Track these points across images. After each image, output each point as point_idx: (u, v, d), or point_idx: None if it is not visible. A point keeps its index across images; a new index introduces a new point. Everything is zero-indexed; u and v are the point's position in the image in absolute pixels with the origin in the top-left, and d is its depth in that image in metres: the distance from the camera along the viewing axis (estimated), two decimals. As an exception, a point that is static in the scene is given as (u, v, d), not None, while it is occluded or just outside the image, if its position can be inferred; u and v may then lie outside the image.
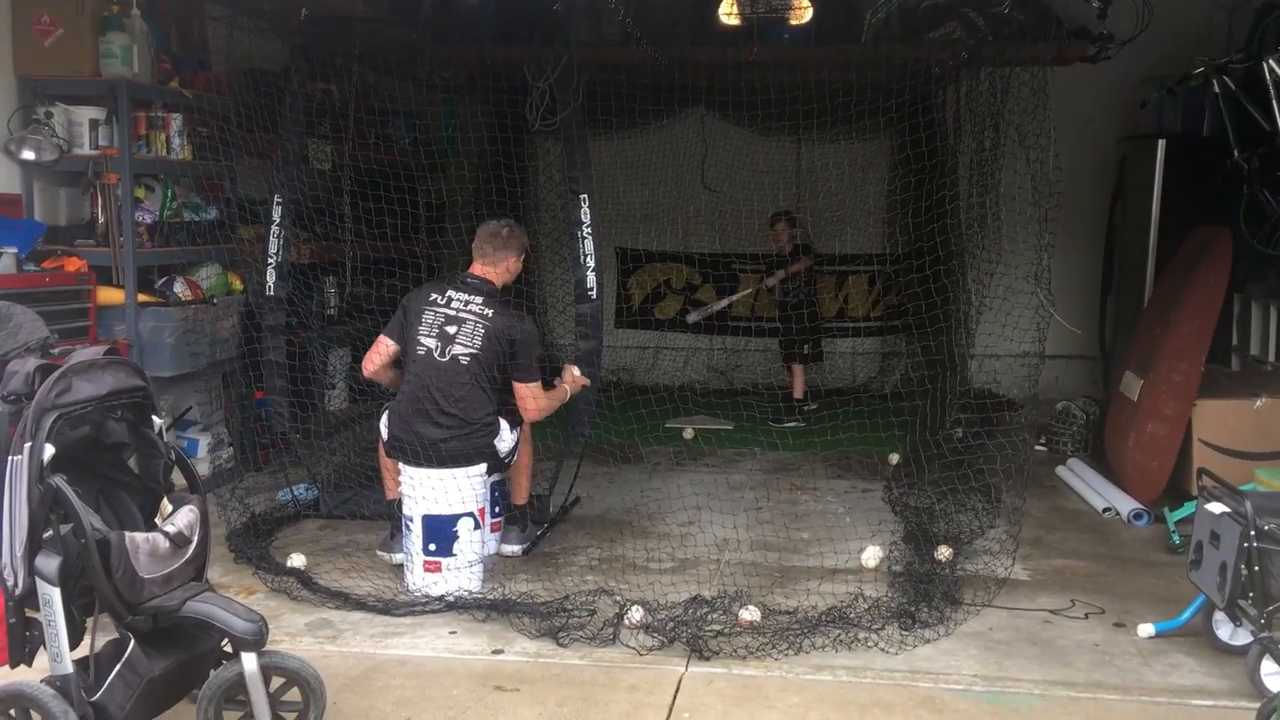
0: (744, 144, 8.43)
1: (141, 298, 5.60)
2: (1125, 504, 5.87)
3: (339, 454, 6.41)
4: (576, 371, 5.26)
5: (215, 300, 6.01)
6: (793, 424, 7.99)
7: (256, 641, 3.15)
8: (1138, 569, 5.11)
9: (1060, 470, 6.78)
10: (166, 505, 3.30)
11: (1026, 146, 5.55)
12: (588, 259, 5.43)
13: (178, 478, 3.42)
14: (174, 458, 3.38)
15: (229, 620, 3.14)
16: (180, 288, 5.83)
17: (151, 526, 3.23)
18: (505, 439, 4.92)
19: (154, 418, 3.31)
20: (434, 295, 4.92)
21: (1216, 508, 4.01)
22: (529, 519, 5.33)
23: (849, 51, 6.32)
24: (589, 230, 5.44)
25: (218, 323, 5.95)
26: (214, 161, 5.78)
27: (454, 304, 4.86)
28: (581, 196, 5.47)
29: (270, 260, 5.79)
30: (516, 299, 6.12)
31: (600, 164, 6.73)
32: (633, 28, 5.68)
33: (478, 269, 4.99)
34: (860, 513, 5.92)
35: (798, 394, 8.25)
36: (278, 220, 5.77)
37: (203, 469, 5.95)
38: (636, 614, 4.30)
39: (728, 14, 6.60)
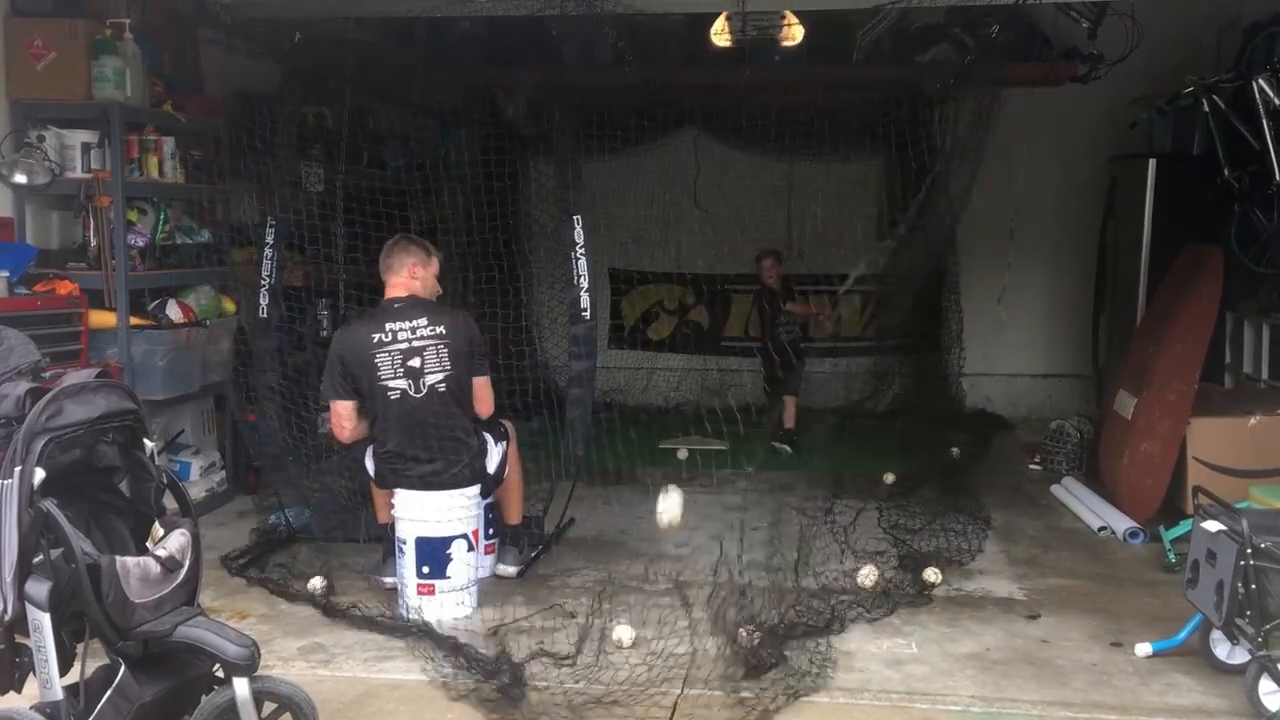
0: (736, 164, 8.45)
1: (134, 321, 5.59)
2: (1120, 522, 5.86)
3: (331, 477, 6.37)
4: None
5: (208, 323, 6.00)
6: (777, 445, 7.85)
7: (249, 666, 3.13)
8: (1134, 588, 5.10)
9: (1055, 489, 6.76)
10: (158, 529, 3.28)
11: (1012, 167, 5.59)
12: (581, 280, 5.43)
13: (169, 501, 3.40)
14: (165, 481, 3.36)
15: (221, 645, 3.12)
16: (173, 311, 5.81)
17: (143, 551, 3.21)
18: (493, 455, 4.91)
19: (145, 441, 3.29)
20: (375, 336, 4.70)
21: (1213, 526, 4.00)
22: (524, 540, 5.31)
23: (840, 73, 6.36)
24: (582, 251, 5.45)
25: (210, 346, 5.94)
26: (207, 185, 5.79)
27: (402, 336, 4.69)
28: (575, 218, 5.48)
29: (263, 283, 5.78)
30: (504, 316, 6.14)
31: (593, 185, 6.74)
32: (626, 50, 5.71)
33: (392, 289, 4.83)
34: (855, 532, 5.90)
35: (789, 424, 8.15)
36: (271, 243, 5.77)
37: (195, 492, 5.91)
38: (631, 636, 4.27)
39: (719, 35, 6.63)
